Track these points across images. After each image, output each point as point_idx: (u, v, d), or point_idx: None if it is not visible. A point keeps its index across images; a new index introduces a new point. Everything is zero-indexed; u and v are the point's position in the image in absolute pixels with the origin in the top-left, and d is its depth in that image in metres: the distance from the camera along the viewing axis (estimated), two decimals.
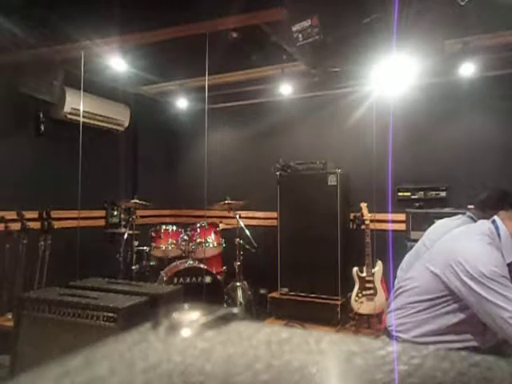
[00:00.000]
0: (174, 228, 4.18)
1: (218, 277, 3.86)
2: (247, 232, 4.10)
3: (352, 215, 4.34)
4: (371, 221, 3.86)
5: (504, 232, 1.62)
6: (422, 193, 4.14)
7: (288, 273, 4.22)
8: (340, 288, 3.99)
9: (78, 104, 3.89)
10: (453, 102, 4.09)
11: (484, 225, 1.68)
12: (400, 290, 1.83)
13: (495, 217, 1.68)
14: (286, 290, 4.22)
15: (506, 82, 3.87)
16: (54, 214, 3.78)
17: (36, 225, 3.59)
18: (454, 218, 1.86)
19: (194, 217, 4.99)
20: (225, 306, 3.79)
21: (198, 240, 4.08)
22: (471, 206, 1.88)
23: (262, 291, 4.52)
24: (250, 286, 4.20)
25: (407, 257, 1.92)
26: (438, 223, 1.88)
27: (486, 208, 1.73)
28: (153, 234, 4.12)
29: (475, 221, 1.79)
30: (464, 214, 1.85)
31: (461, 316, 1.62)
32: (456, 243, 1.68)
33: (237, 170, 5.02)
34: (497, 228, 1.64)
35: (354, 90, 4.35)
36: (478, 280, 1.53)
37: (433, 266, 1.68)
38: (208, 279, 3.70)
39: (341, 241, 4.02)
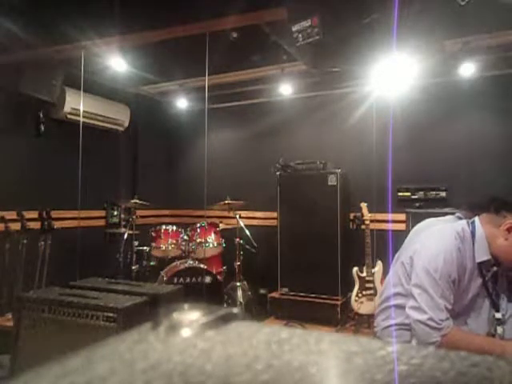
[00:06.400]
0: (174, 228, 4.18)
1: (218, 277, 3.86)
2: (247, 232, 4.10)
3: (352, 215, 4.34)
4: (371, 221, 3.86)
5: (480, 233, 1.66)
6: (422, 193, 4.14)
7: (288, 273, 4.22)
8: (340, 288, 3.99)
9: (78, 104, 3.89)
10: (453, 102, 4.09)
11: (459, 224, 1.72)
12: (382, 289, 1.90)
13: (475, 218, 1.72)
14: (286, 290, 4.22)
15: (506, 82, 3.87)
16: (54, 214, 3.78)
17: (36, 225, 3.59)
18: (441, 218, 1.88)
19: (193, 217, 4.99)
20: (225, 305, 3.79)
21: (198, 240, 4.08)
22: (465, 207, 1.90)
23: (262, 291, 4.52)
24: (250, 286, 4.20)
25: (396, 255, 1.94)
26: (424, 222, 1.90)
27: (475, 209, 1.77)
28: (153, 234, 4.12)
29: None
30: (453, 214, 1.87)
31: None
32: (423, 236, 1.75)
33: (237, 170, 5.02)
34: (474, 228, 1.68)
35: (353, 90, 4.35)
36: (417, 270, 1.62)
37: (403, 256, 1.76)
38: (208, 279, 3.70)
39: (341, 241, 4.01)
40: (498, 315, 1.68)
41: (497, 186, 3.62)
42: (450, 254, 1.60)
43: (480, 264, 1.64)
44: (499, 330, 1.67)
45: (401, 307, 1.70)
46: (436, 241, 1.67)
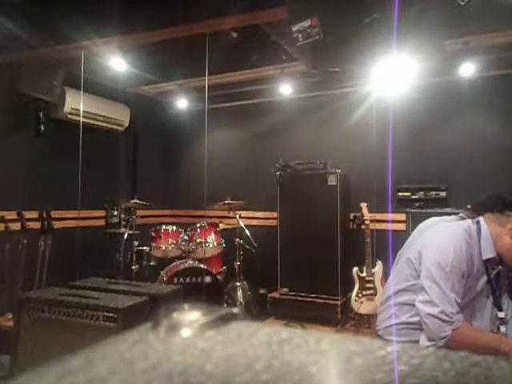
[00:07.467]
0: (174, 228, 4.17)
1: (218, 277, 3.86)
2: (247, 232, 4.10)
3: (352, 215, 4.34)
4: (371, 221, 3.86)
5: (485, 231, 1.69)
6: (422, 193, 4.14)
7: (288, 273, 4.22)
8: (340, 288, 3.98)
9: (78, 104, 3.89)
10: (453, 102, 4.09)
11: (465, 222, 1.75)
12: (385, 288, 1.89)
13: (480, 217, 1.75)
14: (285, 290, 4.22)
15: (506, 82, 3.87)
16: (54, 214, 3.78)
17: (36, 225, 3.59)
18: (445, 217, 1.89)
19: (193, 217, 4.99)
20: (225, 305, 3.79)
21: (198, 240, 4.08)
22: (469, 207, 1.91)
23: (262, 291, 4.52)
24: (250, 286, 4.20)
25: (398, 254, 1.94)
26: (427, 220, 1.91)
27: (480, 210, 1.79)
28: (153, 234, 4.12)
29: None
30: (456, 214, 1.89)
31: None
32: (430, 232, 1.76)
33: (237, 169, 5.02)
34: (479, 227, 1.71)
35: (354, 90, 4.35)
36: (427, 264, 1.62)
37: (408, 253, 1.76)
38: (208, 279, 3.70)
39: (341, 241, 4.01)
40: (501, 314, 1.69)
41: (497, 186, 3.62)
42: (460, 247, 1.61)
43: (486, 262, 1.66)
44: (502, 329, 1.67)
45: (405, 304, 1.69)
46: (445, 235, 1.68)
